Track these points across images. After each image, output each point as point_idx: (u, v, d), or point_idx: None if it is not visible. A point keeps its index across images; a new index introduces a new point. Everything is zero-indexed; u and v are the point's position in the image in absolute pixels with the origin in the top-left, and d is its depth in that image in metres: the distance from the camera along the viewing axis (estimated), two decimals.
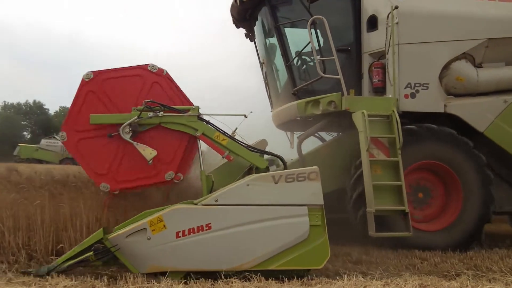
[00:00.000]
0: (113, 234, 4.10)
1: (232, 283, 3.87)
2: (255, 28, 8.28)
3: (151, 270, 4.08)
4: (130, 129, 4.34)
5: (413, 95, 6.66)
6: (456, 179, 6.49)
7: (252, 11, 7.88)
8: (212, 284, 3.90)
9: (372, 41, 6.96)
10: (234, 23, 8.45)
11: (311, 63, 7.22)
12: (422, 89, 6.68)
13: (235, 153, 4.42)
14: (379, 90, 6.79)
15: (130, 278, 3.89)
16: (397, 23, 6.64)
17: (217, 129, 4.49)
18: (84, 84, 4.63)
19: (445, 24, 6.76)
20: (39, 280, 3.65)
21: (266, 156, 5.27)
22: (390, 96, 6.55)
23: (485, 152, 6.89)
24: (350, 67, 7.20)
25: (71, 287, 3.52)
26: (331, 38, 6.60)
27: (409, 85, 6.65)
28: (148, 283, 3.78)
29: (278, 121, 7.97)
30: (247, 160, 4.44)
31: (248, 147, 4.48)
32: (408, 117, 6.59)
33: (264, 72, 8.57)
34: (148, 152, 4.33)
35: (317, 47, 6.72)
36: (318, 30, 6.71)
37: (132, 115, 4.40)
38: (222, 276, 4.04)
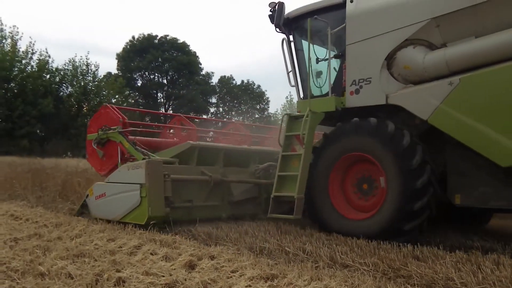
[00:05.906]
0: None
1: None
2: None
3: (94, 217, 7.47)
4: (96, 141, 7.84)
5: (357, 91, 6.94)
6: (380, 168, 6.42)
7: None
8: None
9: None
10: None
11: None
12: (365, 84, 6.86)
13: (129, 151, 7.21)
14: (344, 90, 7.31)
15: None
16: (344, 25, 7.13)
17: (125, 138, 7.37)
18: (90, 123, 8.48)
19: (382, 17, 6.69)
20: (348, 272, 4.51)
21: None
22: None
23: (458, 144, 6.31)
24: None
25: None
26: (288, 55, 7.81)
27: (354, 82, 6.97)
28: None
29: None
30: (135, 156, 7.13)
31: (137, 149, 7.15)
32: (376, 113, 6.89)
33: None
34: (100, 153, 7.77)
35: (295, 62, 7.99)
36: (292, 47, 7.97)
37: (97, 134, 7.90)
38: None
